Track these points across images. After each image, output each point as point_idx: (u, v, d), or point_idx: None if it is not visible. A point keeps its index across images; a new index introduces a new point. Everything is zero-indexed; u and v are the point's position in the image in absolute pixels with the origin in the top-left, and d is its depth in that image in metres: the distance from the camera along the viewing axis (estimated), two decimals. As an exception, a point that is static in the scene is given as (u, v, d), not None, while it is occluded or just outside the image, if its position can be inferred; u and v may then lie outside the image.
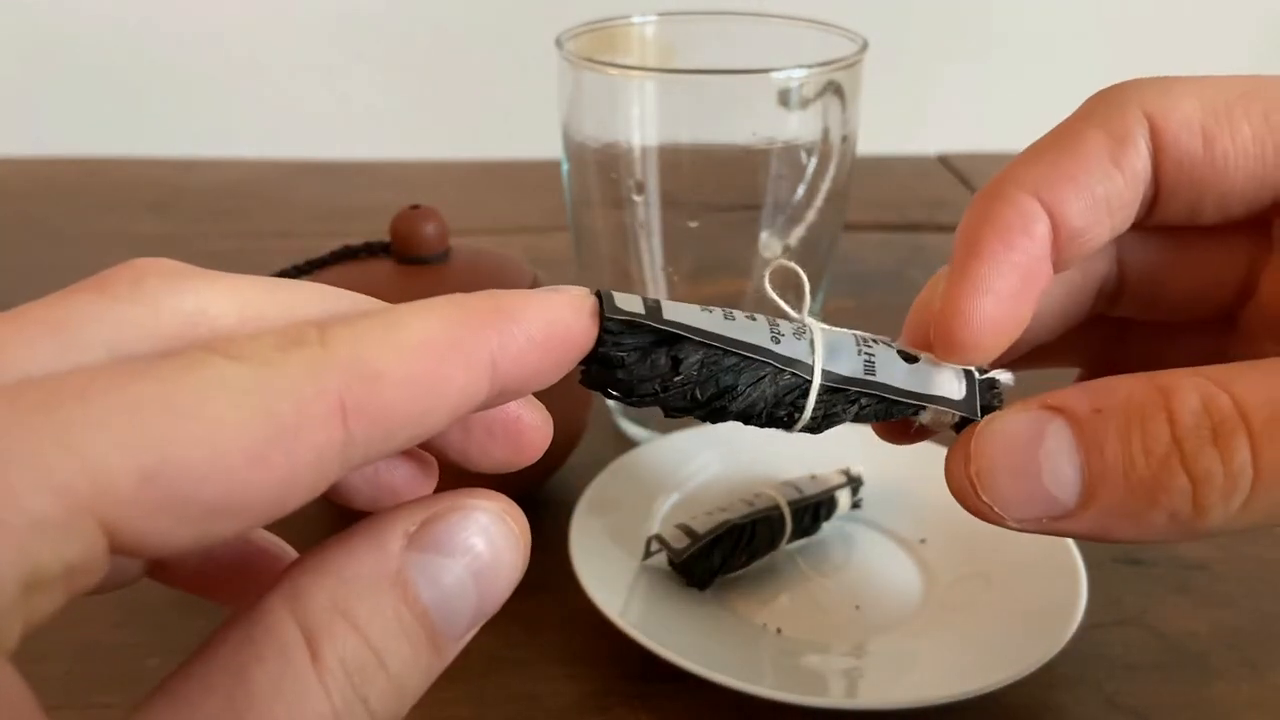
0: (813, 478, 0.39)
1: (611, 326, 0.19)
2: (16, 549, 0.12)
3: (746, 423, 0.21)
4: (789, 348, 0.20)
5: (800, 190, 0.42)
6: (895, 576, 0.38)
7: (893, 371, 0.22)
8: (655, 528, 0.38)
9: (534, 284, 0.40)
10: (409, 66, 0.99)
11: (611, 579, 0.35)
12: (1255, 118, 0.22)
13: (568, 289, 0.18)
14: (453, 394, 0.16)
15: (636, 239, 0.43)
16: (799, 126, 0.40)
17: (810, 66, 0.39)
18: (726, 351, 0.20)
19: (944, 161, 0.79)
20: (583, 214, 0.44)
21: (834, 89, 0.40)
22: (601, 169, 0.42)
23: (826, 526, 0.39)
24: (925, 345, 0.23)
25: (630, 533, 0.37)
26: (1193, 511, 0.20)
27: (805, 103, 0.40)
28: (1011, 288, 0.23)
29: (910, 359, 0.22)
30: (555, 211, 0.71)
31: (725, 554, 0.36)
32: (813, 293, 0.45)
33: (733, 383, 0.20)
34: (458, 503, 0.17)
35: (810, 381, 0.21)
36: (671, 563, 0.36)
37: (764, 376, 0.20)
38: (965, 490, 0.21)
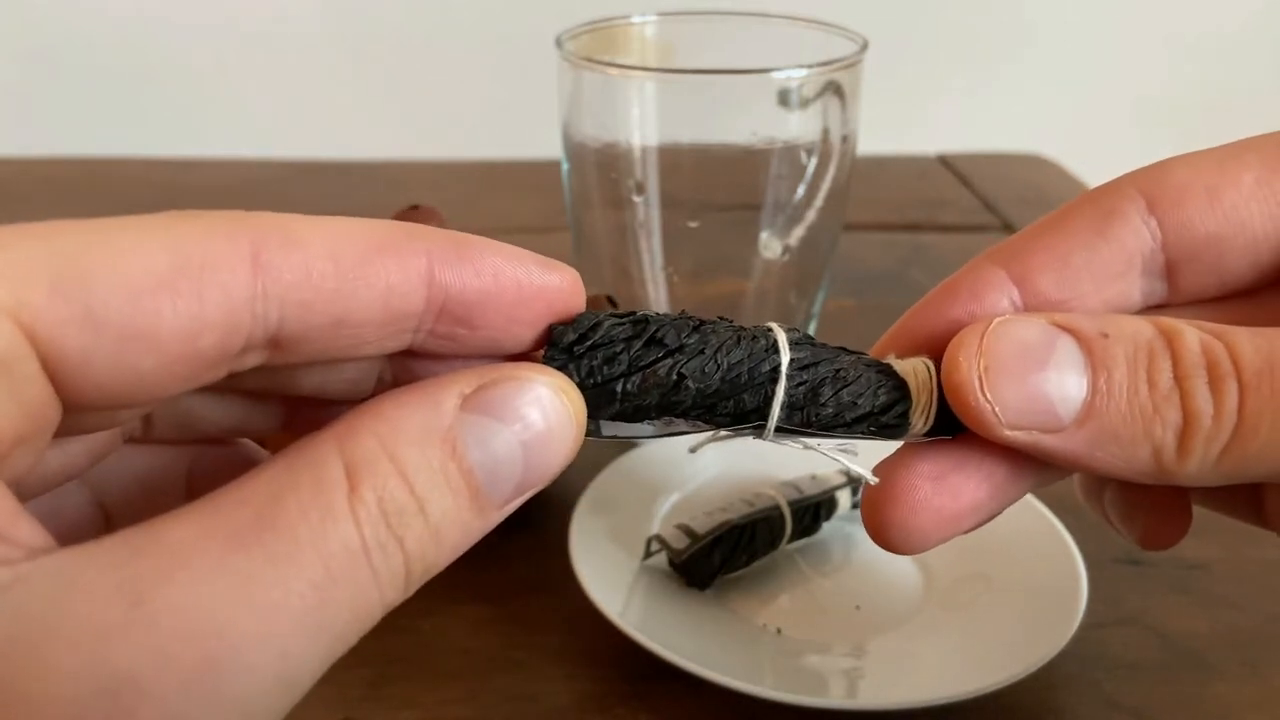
0: (813, 478, 0.39)
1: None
2: None
3: (714, 403, 0.20)
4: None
5: (800, 190, 0.42)
6: (895, 577, 0.38)
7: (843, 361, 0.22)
8: (655, 528, 0.38)
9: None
10: (409, 67, 0.99)
11: (611, 579, 0.35)
12: (1253, 166, 0.22)
13: (557, 264, 0.19)
14: (379, 286, 0.16)
15: (636, 239, 0.43)
16: (799, 126, 0.40)
17: (810, 66, 0.39)
18: (694, 327, 0.20)
19: (944, 161, 0.79)
20: (583, 214, 0.44)
21: (834, 89, 0.40)
22: (601, 169, 0.42)
23: (827, 526, 0.39)
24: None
25: (630, 533, 0.37)
26: (1177, 449, 0.20)
27: (805, 103, 0.40)
28: (942, 337, 0.22)
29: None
30: (555, 211, 0.71)
31: (725, 554, 0.36)
32: (813, 292, 0.45)
33: (702, 346, 0.20)
34: (516, 372, 0.17)
35: (776, 339, 0.21)
36: (671, 563, 0.36)
37: (738, 339, 0.21)
38: (968, 386, 0.21)
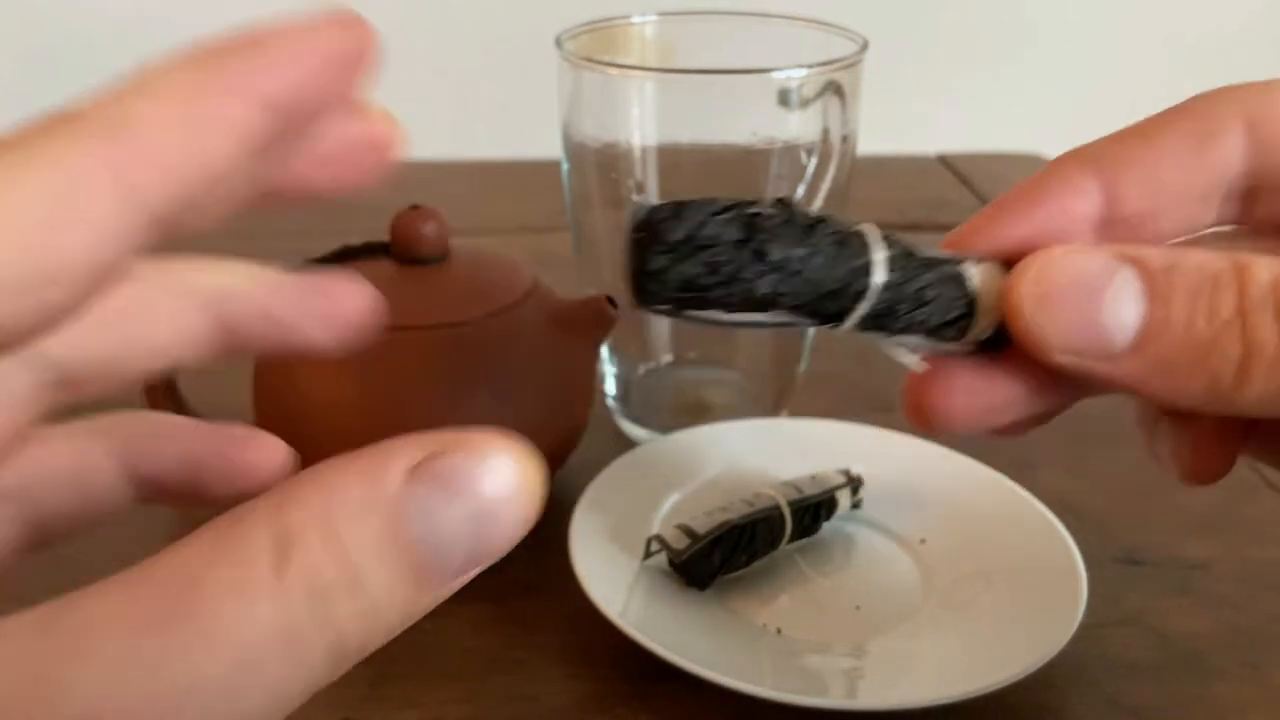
0: (813, 478, 0.39)
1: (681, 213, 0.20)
2: None
3: (812, 296, 0.21)
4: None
5: (800, 190, 0.42)
6: (895, 577, 0.38)
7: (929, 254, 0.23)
8: (655, 528, 0.38)
9: (534, 284, 0.40)
10: (409, 66, 0.99)
11: (612, 579, 0.35)
12: None
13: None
14: (223, 129, 0.15)
15: (636, 239, 0.43)
16: (799, 126, 0.40)
17: (810, 66, 0.39)
18: (794, 219, 0.21)
19: (944, 161, 0.79)
20: (583, 214, 0.44)
21: (834, 89, 0.40)
22: (601, 169, 0.42)
23: (826, 527, 0.39)
24: None
25: (630, 533, 0.37)
26: (1234, 380, 0.21)
27: (805, 103, 0.40)
28: (1018, 242, 0.23)
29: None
30: (556, 212, 0.71)
31: (725, 554, 0.36)
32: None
33: (800, 240, 0.21)
34: (468, 441, 0.16)
35: (867, 236, 0.21)
36: (671, 563, 0.36)
37: (830, 233, 0.21)
38: (1024, 311, 0.22)
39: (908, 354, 0.23)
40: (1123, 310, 0.21)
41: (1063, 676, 0.34)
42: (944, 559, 0.38)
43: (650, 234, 0.20)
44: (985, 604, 0.35)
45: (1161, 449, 0.26)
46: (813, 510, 0.38)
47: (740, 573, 0.37)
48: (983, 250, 0.24)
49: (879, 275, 0.21)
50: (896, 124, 0.75)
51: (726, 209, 0.20)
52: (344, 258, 0.41)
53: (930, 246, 0.23)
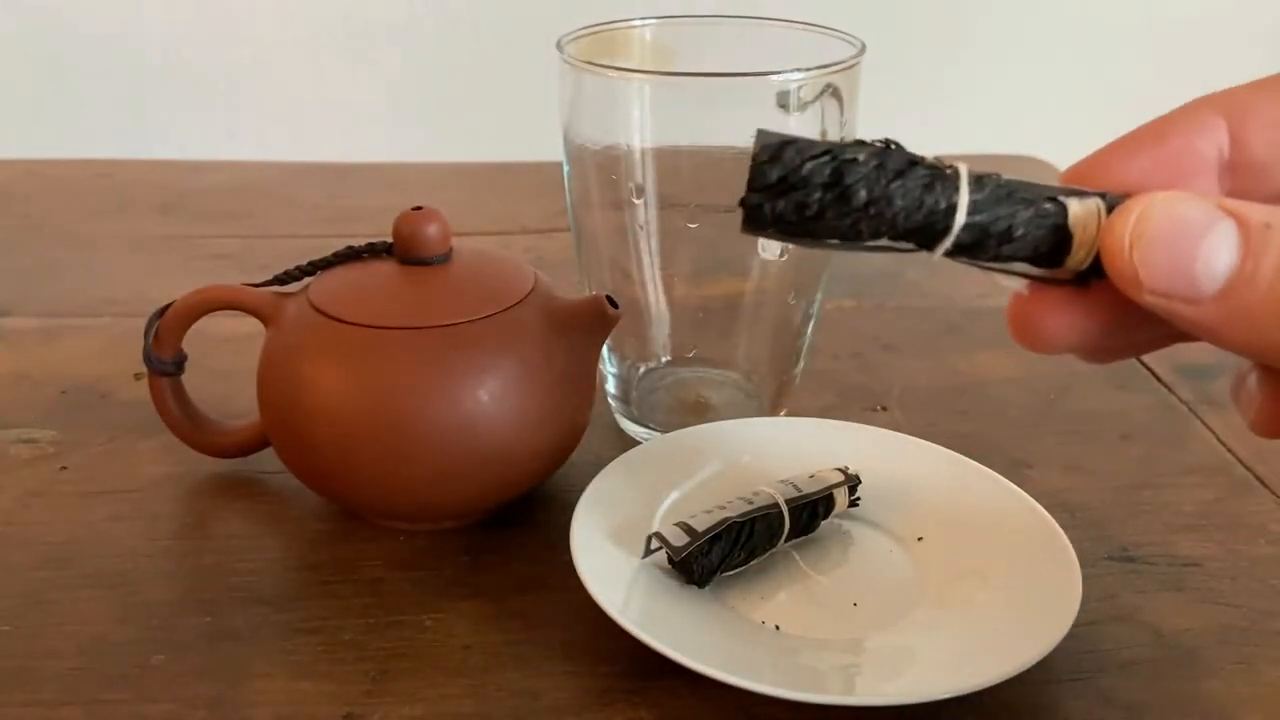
0: (811, 476, 0.39)
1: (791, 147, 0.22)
2: None
3: (908, 224, 0.22)
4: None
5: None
6: (892, 574, 0.38)
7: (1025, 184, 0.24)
8: (655, 525, 0.38)
9: (535, 284, 0.40)
10: (412, 70, 0.99)
11: (612, 576, 0.35)
12: None
13: None
14: None
15: (636, 240, 0.43)
16: (797, 129, 0.41)
17: (808, 69, 0.40)
18: (886, 161, 0.22)
19: (943, 163, 0.80)
20: (583, 216, 0.44)
21: (832, 92, 0.41)
22: (601, 171, 0.42)
23: (824, 524, 0.40)
24: None
25: (630, 530, 0.37)
26: None
27: (803, 105, 0.40)
28: (1140, 172, 0.24)
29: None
30: (556, 213, 0.71)
31: (724, 551, 0.36)
32: (811, 293, 0.46)
33: (897, 171, 0.22)
34: None
35: (958, 175, 0.23)
36: (671, 560, 0.36)
37: (922, 176, 0.23)
38: (1120, 248, 0.23)
39: (1009, 278, 0.25)
40: (1217, 259, 0.22)
41: (1057, 673, 0.34)
42: (940, 556, 0.38)
43: (752, 172, 0.22)
44: (981, 601, 0.36)
45: (1241, 396, 0.27)
46: (811, 508, 0.39)
47: (739, 570, 0.37)
48: (1099, 184, 0.24)
49: (960, 216, 0.23)
50: (894, 126, 0.75)
51: (823, 153, 0.22)
52: (347, 258, 0.41)
53: (1043, 181, 0.24)
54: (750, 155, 0.22)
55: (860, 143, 0.23)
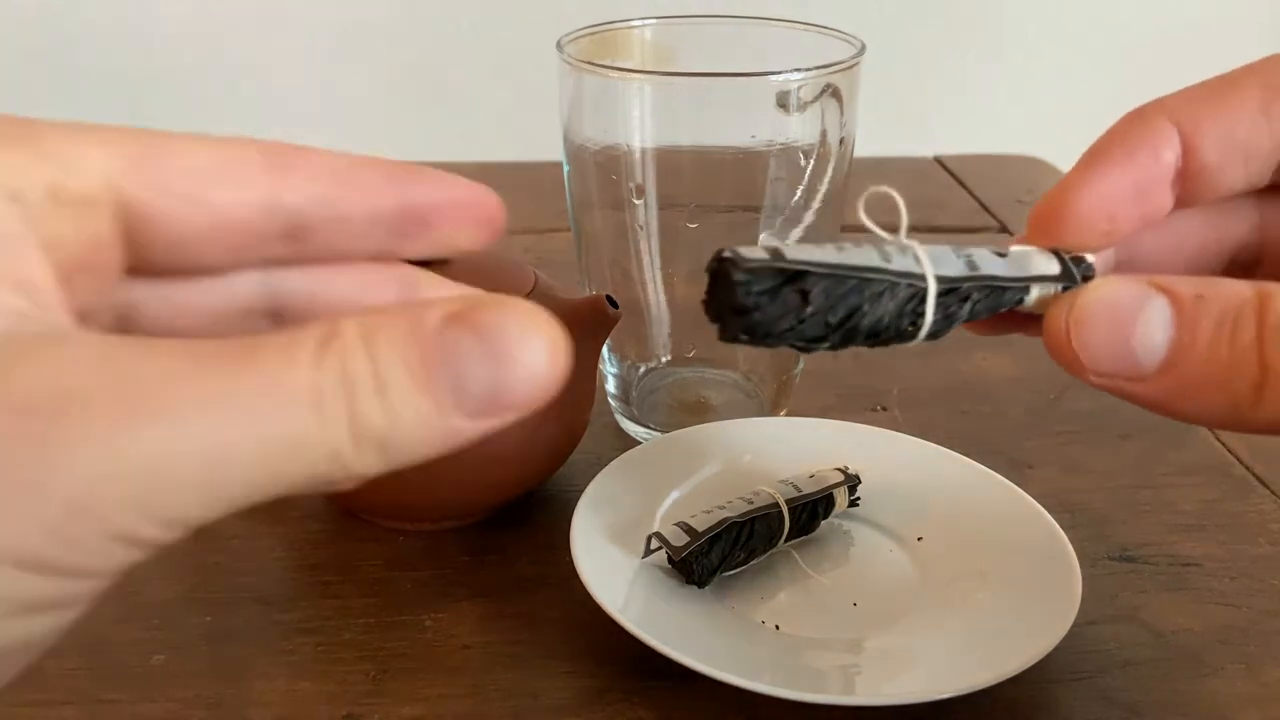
0: (811, 476, 0.39)
1: (741, 277, 0.21)
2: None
3: (874, 340, 0.23)
4: (899, 263, 0.23)
5: (798, 192, 0.42)
6: (892, 574, 0.38)
7: (992, 265, 0.24)
8: (655, 525, 0.38)
9: (535, 284, 0.40)
10: (412, 70, 0.99)
11: (612, 576, 0.35)
12: None
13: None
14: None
15: (637, 240, 0.43)
16: (797, 129, 0.41)
17: (808, 70, 0.40)
18: (845, 277, 0.22)
19: (940, 163, 0.80)
20: (583, 215, 0.44)
21: (832, 92, 0.41)
22: (601, 171, 0.42)
23: (824, 524, 0.40)
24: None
25: (630, 530, 0.37)
26: (1252, 399, 0.22)
27: (803, 105, 0.40)
28: (1122, 191, 0.25)
29: (1001, 254, 0.25)
30: (557, 213, 0.71)
31: (724, 551, 0.36)
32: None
33: (858, 303, 0.22)
34: (507, 301, 0.18)
35: (926, 288, 0.23)
36: (671, 560, 0.36)
37: (883, 292, 0.23)
38: (1060, 337, 0.24)
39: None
40: (1152, 336, 0.23)
41: (1057, 673, 0.34)
42: (940, 556, 0.38)
43: (709, 296, 0.22)
44: (981, 601, 0.36)
45: None
46: (810, 508, 0.39)
47: (739, 570, 0.37)
48: (1080, 214, 0.25)
49: (928, 320, 0.23)
50: (894, 126, 0.76)
51: (775, 287, 0.22)
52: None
53: (1000, 247, 0.25)
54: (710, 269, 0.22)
55: (807, 269, 0.22)
